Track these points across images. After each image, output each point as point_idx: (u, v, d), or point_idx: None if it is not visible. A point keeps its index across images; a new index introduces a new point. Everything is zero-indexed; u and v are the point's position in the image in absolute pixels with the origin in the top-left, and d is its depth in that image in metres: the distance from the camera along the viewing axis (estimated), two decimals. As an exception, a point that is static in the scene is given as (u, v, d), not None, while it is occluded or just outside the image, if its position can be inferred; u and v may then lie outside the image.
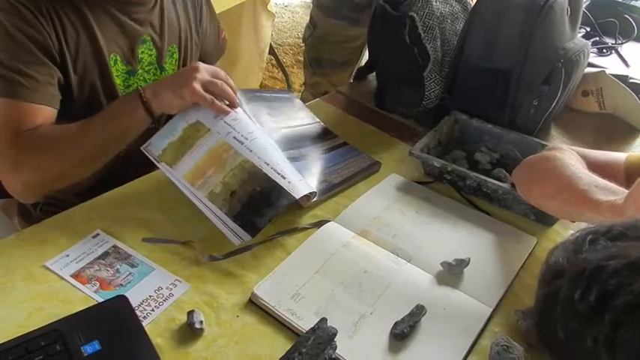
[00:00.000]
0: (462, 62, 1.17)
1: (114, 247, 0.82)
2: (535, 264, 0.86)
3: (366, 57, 1.79)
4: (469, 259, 0.81)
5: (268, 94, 1.12)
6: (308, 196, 0.89)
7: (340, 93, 1.30)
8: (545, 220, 0.94)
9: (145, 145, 0.91)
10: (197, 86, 0.89)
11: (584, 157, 0.84)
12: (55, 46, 0.88)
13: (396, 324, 0.73)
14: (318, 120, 1.12)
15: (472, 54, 1.15)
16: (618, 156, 0.86)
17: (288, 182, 0.86)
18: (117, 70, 0.98)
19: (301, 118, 1.11)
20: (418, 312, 0.74)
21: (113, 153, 0.92)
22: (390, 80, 1.28)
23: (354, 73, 1.80)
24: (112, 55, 0.96)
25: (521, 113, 1.13)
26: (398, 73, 1.25)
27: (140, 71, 1.02)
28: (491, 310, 0.76)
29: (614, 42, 1.56)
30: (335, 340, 0.70)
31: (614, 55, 1.53)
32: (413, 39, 1.17)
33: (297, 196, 0.85)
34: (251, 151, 0.88)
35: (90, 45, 0.93)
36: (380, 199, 0.95)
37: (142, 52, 1.01)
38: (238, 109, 0.95)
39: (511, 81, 1.11)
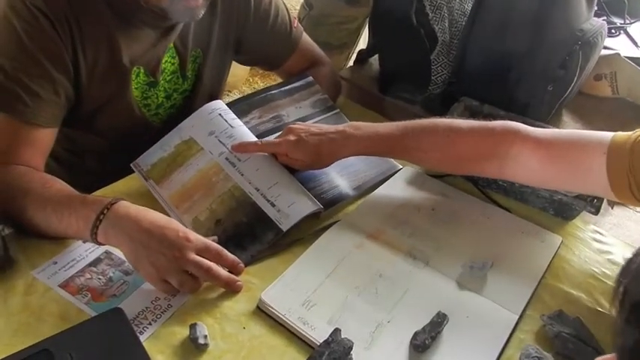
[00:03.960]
0: (471, 44, 1.10)
1: (106, 252, 0.75)
2: (560, 265, 0.81)
3: (363, 39, 1.72)
4: (492, 261, 0.76)
5: (288, 87, 1.02)
6: (319, 211, 0.83)
7: (341, 78, 1.23)
8: (565, 213, 0.89)
9: (135, 162, 0.87)
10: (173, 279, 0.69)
11: (551, 144, 0.76)
12: (70, 55, 0.81)
13: (416, 334, 0.67)
14: (337, 109, 1.04)
15: (482, 35, 1.08)
16: (600, 137, 0.73)
17: (278, 211, 0.79)
18: (137, 82, 0.90)
19: (320, 109, 1.02)
20: (440, 321, 0.68)
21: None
22: (395, 64, 1.22)
23: (352, 56, 1.73)
24: (135, 69, 0.88)
25: (534, 99, 1.07)
26: (403, 57, 1.18)
27: (161, 82, 0.94)
28: (517, 317, 0.71)
29: (622, 22, 1.51)
30: (351, 353, 0.64)
31: (622, 36, 1.48)
32: (420, 20, 1.11)
33: (285, 228, 0.78)
34: (242, 174, 0.83)
35: (110, 57, 0.85)
36: (393, 195, 0.89)
37: (165, 61, 0.92)
38: (235, 122, 0.89)
39: (524, 65, 1.05)
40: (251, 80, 2.72)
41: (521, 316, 0.72)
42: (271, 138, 0.91)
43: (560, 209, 0.88)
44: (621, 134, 0.72)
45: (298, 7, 1.71)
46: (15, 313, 0.67)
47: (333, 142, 0.83)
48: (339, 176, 0.90)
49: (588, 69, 1.11)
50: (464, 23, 1.12)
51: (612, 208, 0.93)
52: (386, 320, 0.70)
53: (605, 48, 1.27)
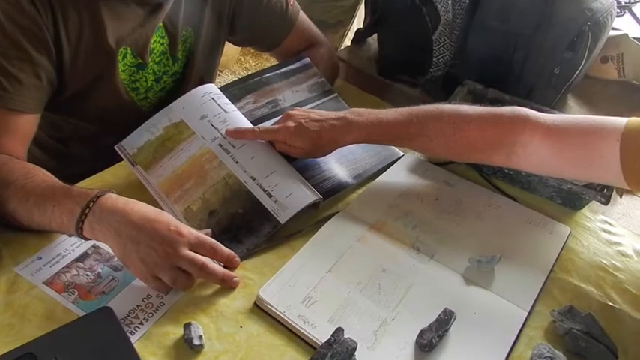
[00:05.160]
0: (475, 24, 1.05)
1: (94, 246, 0.71)
2: (569, 257, 0.78)
3: (359, 16, 1.66)
4: (500, 255, 0.73)
5: (284, 69, 0.97)
6: (318, 202, 0.79)
7: (338, 58, 1.18)
8: (573, 203, 0.85)
9: (119, 144, 0.82)
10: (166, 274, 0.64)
11: (562, 131, 0.72)
12: (52, 35, 0.75)
13: (422, 332, 0.64)
14: (335, 93, 0.99)
15: (487, 14, 1.03)
16: (614, 123, 0.69)
17: (275, 202, 0.75)
18: (124, 64, 0.85)
19: (317, 93, 0.97)
20: (447, 318, 0.65)
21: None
22: (395, 44, 1.17)
23: (347, 35, 1.68)
24: (121, 50, 0.83)
25: (540, 83, 1.03)
26: (403, 37, 1.13)
27: (150, 63, 0.88)
28: (526, 313, 0.68)
29: (627, 0, 1.46)
30: (355, 354, 0.61)
31: (627, 16, 1.43)
32: (422, -2, 1.06)
33: (283, 221, 0.74)
34: (237, 162, 0.78)
35: (95, 38, 0.79)
36: (395, 184, 0.85)
37: (154, 41, 0.86)
38: (229, 107, 0.84)
39: (530, 46, 1.01)
40: (242, 59, 2.64)
41: (530, 312, 0.69)
42: (268, 124, 0.86)
43: (569, 199, 0.85)
44: (635, 120, 0.69)
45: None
46: (-3, 313, 0.63)
47: (335, 128, 0.79)
48: (338, 164, 0.86)
49: (597, 51, 1.06)
50: (467, 1, 1.07)
51: (621, 197, 0.90)
52: (390, 318, 0.66)
53: (612, 29, 1.23)
